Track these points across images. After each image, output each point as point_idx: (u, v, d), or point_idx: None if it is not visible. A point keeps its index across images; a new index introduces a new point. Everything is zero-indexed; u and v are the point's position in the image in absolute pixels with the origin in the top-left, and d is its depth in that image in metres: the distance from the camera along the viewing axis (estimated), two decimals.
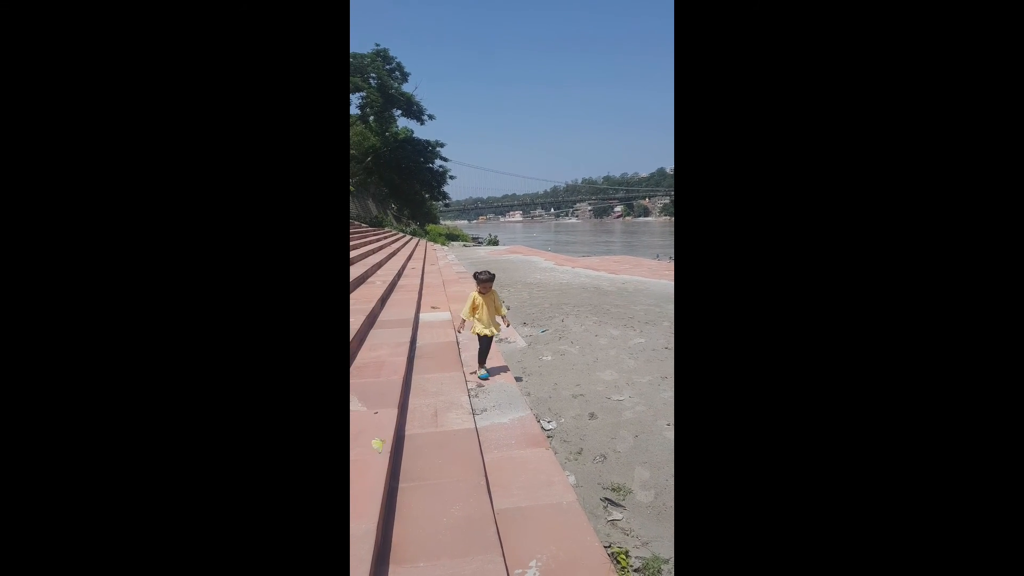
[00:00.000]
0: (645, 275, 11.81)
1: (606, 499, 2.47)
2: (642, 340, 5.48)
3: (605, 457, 2.86)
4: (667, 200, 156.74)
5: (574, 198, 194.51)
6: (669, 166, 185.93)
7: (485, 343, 4.00)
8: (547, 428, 3.25)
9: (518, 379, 4.05)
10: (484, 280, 3.96)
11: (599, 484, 2.60)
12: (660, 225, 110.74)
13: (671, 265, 16.70)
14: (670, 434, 3.11)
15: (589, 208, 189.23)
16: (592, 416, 3.41)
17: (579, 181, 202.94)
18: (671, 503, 2.41)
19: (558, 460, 2.83)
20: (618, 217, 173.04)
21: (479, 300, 3.97)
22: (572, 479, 2.65)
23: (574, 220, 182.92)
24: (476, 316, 3.93)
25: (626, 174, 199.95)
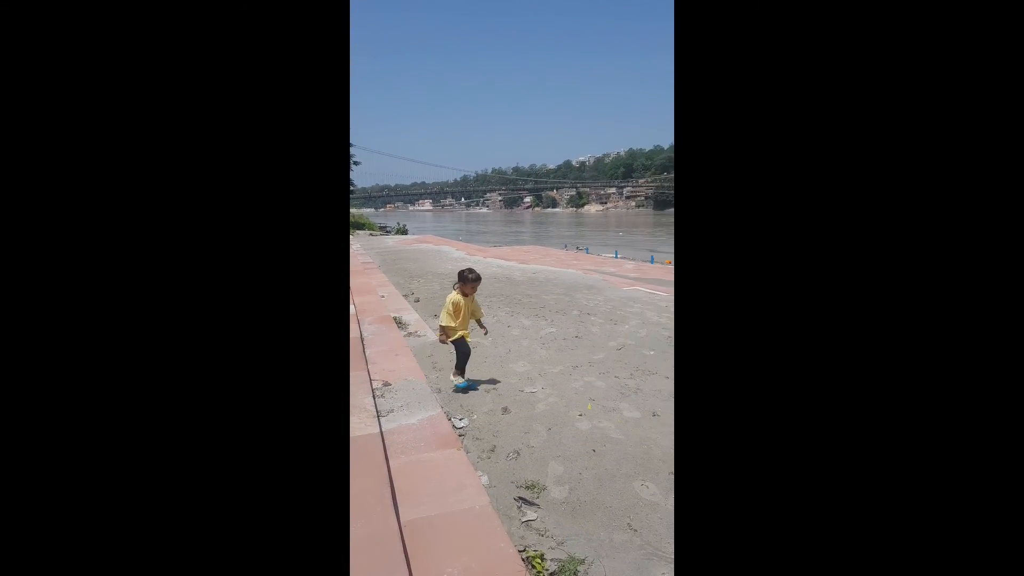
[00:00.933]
0: (554, 265, 12.00)
1: (520, 498, 2.38)
2: (553, 330, 5.50)
3: (519, 453, 2.78)
4: (573, 192, 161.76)
5: (484, 188, 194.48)
6: (574, 158, 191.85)
7: (465, 347, 3.60)
8: (459, 426, 3.11)
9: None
10: (473, 280, 3.54)
11: (513, 483, 2.51)
12: (567, 216, 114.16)
13: (578, 255, 17.20)
14: (582, 425, 3.09)
15: (500, 198, 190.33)
16: (505, 411, 3.32)
17: (489, 171, 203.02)
18: (585, 498, 2.37)
19: (470, 460, 2.70)
20: (528, 208, 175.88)
21: (462, 303, 3.55)
22: (485, 479, 2.54)
23: (485, 210, 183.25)
24: (457, 322, 3.54)
25: (535, 165, 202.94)
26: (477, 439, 2.96)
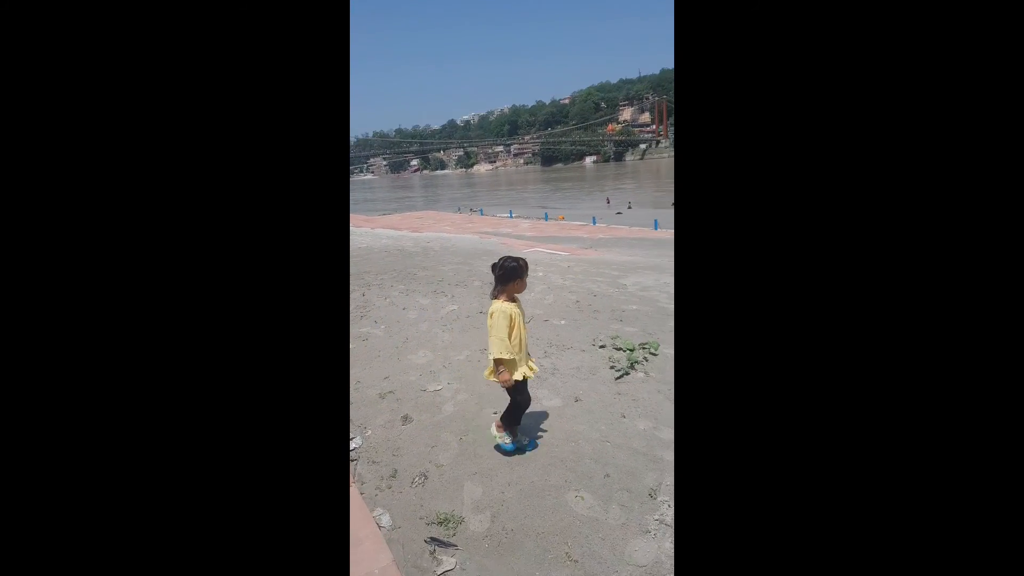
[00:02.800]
0: (449, 231, 11.42)
1: (432, 539, 1.91)
2: (455, 307, 4.99)
3: (426, 476, 2.28)
4: (461, 152, 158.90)
5: (367, 153, 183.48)
6: (459, 118, 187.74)
7: (523, 394, 2.30)
8: (350, 448, 2.53)
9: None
10: (524, 271, 2.20)
11: (421, 519, 2.02)
12: (458, 177, 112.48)
13: (472, 217, 16.71)
14: None
15: (384, 163, 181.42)
16: (406, 420, 2.79)
17: (370, 135, 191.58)
18: (511, 525, 1.96)
19: (366, 494, 2.17)
20: (416, 171, 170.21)
21: (516, 314, 2.19)
22: (386, 519, 2.03)
23: (370, 176, 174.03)
24: (514, 349, 2.18)
25: (418, 127, 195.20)
26: (373, 462, 2.42)
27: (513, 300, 2.23)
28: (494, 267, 2.24)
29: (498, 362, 2.18)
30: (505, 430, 2.36)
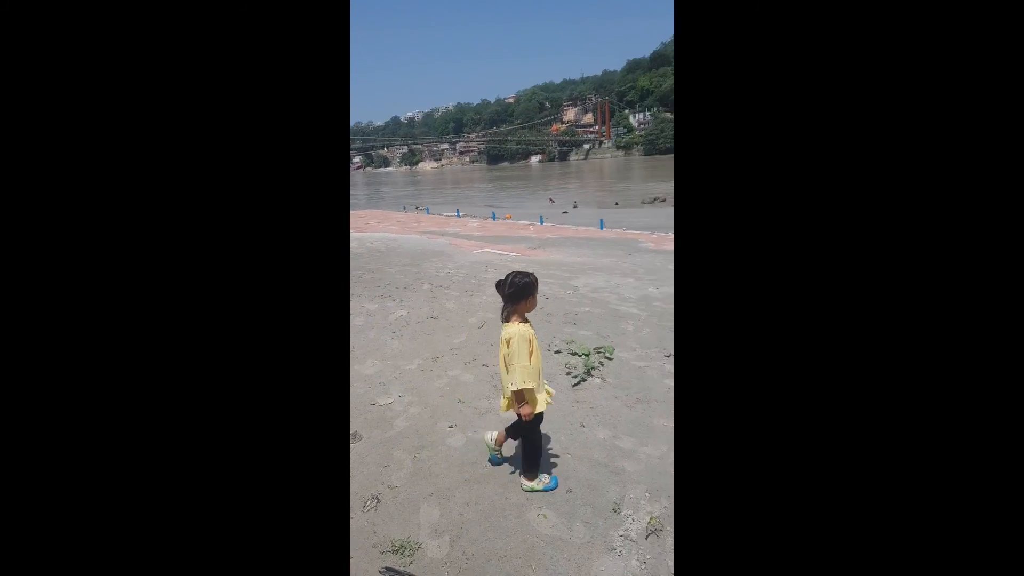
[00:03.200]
0: (396, 231, 11.13)
1: (388, 570, 1.78)
2: (403, 312, 4.82)
3: (379, 499, 2.14)
4: (405, 150, 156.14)
5: None
6: (402, 114, 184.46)
7: (537, 430, 2.15)
8: None
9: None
10: (536, 288, 2.04)
11: (375, 546, 1.89)
12: (403, 175, 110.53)
13: (419, 216, 16.39)
14: (455, 440, 2.55)
15: None
16: (355, 437, 2.63)
17: None
18: (472, 549, 1.86)
19: None
20: (359, 168, 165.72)
21: (533, 337, 2.03)
22: None
23: None
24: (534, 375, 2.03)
25: (360, 123, 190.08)
26: None
27: (525, 320, 2.06)
28: (501, 285, 2.05)
29: (518, 393, 2.00)
30: (535, 475, 2.16)
